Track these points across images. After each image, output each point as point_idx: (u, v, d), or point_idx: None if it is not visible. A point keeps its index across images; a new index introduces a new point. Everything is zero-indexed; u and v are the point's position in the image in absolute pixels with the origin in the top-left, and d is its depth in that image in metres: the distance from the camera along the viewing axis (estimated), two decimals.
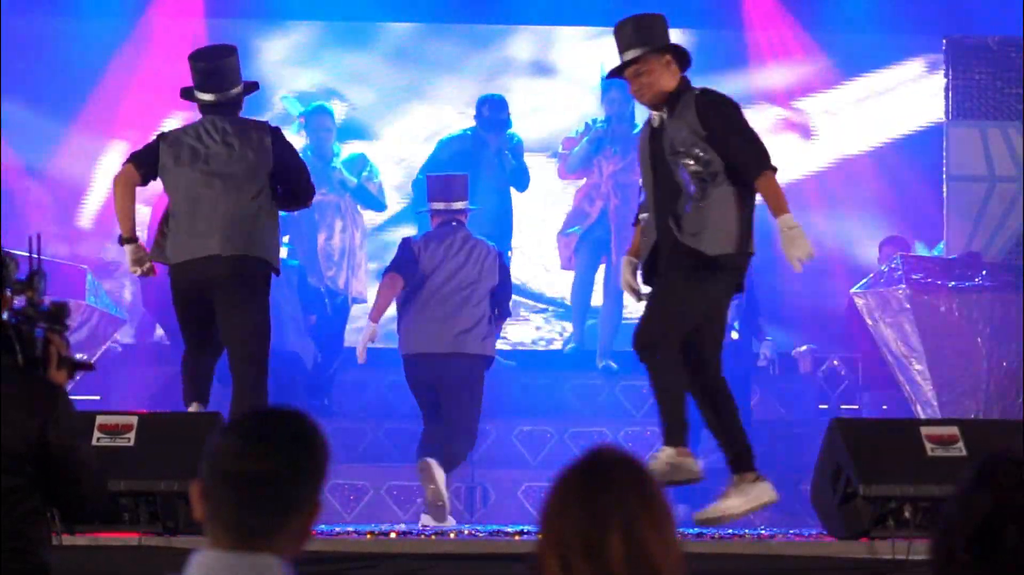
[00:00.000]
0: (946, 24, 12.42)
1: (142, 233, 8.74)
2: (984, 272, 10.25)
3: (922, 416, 10.10)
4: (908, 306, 10.05)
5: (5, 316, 4.49)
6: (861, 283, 10.68)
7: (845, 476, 7.71)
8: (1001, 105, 11.31)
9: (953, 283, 10.09)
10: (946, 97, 11.44)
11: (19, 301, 4.48)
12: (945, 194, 11.39)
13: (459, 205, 9.61)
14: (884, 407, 11.69)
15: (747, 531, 9.03)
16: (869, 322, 10.37)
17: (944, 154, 11.45)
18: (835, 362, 12.07)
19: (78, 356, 4.60)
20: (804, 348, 12.46)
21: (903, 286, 10.12)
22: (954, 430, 7.84)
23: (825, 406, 11.86)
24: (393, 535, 8.38)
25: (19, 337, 4.45)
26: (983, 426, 8.66)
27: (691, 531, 8.29)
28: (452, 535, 8.30)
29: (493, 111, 11.85)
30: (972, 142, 11.24)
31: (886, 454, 7.71)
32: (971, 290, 10.05)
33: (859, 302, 10.46)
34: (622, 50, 7.50)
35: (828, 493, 7.88)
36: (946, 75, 11.35)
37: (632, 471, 2.77)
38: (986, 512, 2.68)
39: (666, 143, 7.41)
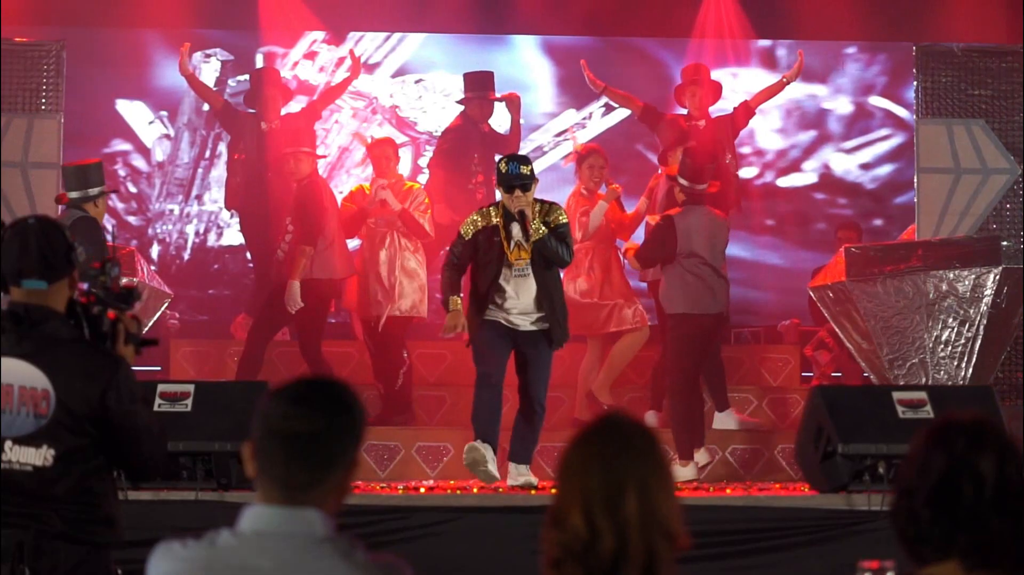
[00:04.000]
0: (916, 33, 12.48)
1: None
2: (920, 252, 10.30)
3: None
4: (850, 296, 10.17)
5: (75, 296, 4.52)
6: (814, 280, 10.80)
7: (826, 436, 7.76)
8: (965, 105, 11.32)
9: (889, 268, 10.17)
10: (916, 98, 11.46)
11: (94, 285, 4.51)
12: (916, 184, 11.40)
13: None
14: (836, 374, 11.75)
15: (738, 485, 9.07)
16: (827, 315, 10.48)
17: (915, 149, 11.48)
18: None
19: (144, 332, 4.62)
20: (788, 322, 12.51)
21: (844, 279, 10.22)
22: (922, 395, 7.90)
23: (810, 374, 11.89)
24: (422, 490, 8.42)
25: (87, 315, 4.48)
26: (948, 391, 8.70)
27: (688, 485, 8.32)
28: (475, 490, 8.33)
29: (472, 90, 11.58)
30: (940, 138, 11.25)
31: (862, 417, 7.76)
32: (903, 272, 10.12)
33: (815, 296, 10.55)
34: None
35: (811, 451, 7.92)
36: (916, 79, 11.37)
37: (643, 436, 2.83)
38: (942, 472, 2.69)
39: None
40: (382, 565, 2.98)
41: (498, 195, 9.06)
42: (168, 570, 3.00)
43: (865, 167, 13.75)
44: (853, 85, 13.74)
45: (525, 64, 13.54)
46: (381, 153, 10.69)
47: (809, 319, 12.32)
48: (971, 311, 10.04)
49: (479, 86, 11.55)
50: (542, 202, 8.96)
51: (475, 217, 8.96)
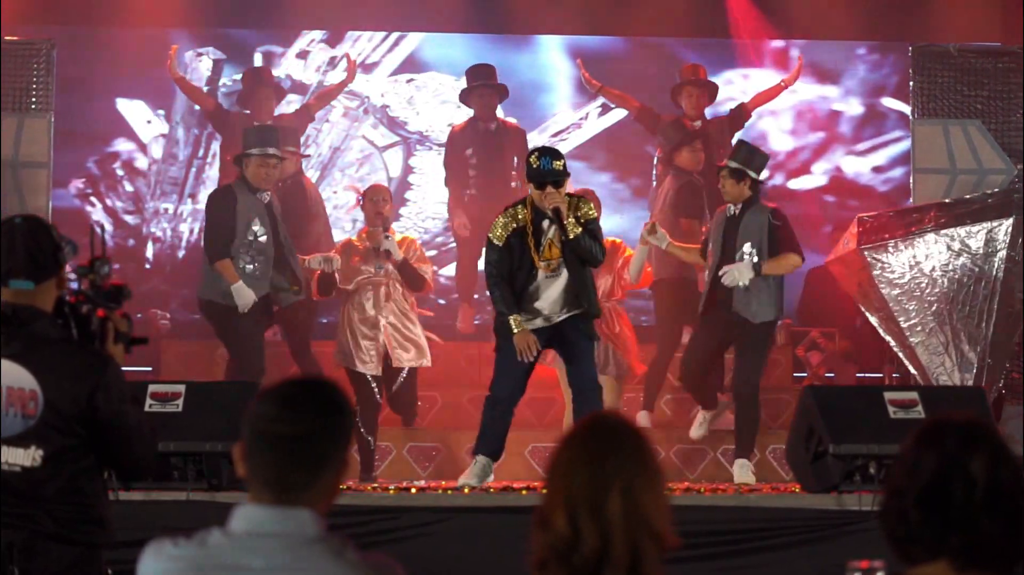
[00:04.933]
0: (914, 34, 12.47)
1: None
2: (932, 213, 10.19)
3: (901, 355, 10.06)
4: (863, 264, 10.05)
5: (64, 295, 4.50)
6: (831, 255, 10.73)
7: (817, 436, 7.77)
8: (961, 105, 11.33)
9: (900, 232, 10.04)
10: (913, 98, 11.47)
11: (80, 283, 4.50)
12: (912, 184, 11.41)
13: None
14: (828, 375, 11.77)
15: (729, 485, 9.07)
16: (845, 287, 10.38)
17: (911, 149, 11.49)
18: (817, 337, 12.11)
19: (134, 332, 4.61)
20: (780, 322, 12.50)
21: (856, 247, 10.10)
22: (914, 395, 7.91)
23: (802, 374, 11.91)
24: (413, 490, 8.43)
25: (75, 315, 4.47)
26: (939, 391, 8.71)
27: (680, 486, 8.33)
28: (466, 490, 8.35)
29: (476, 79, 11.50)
30: (935, 138, 11.26)
31: (853, 417, 7.78)
32: (915, 234, 9.99)
33: (834, 270, 10.48)
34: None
35: (802, 452, 7.94)
36: (912, 79, 11.38)
37: (629, 436, 2.83)
38: (932, 472, 2.69)
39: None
40: (373, 564, 2.99)
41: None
42: (159, 569, 3.00)
43: (877, 170, 13.68)
44: (864, 86, 13.69)
45: (540, 65, 13.49)
46: (378, 198, 10.05)
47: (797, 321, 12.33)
48: (986, 267, 9.82)
49: (480, 75, 11.49)
50: (570, 195, 8.52)
51: (503, 219, 8.52)
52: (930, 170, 11.18)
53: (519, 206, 8.52)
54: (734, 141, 11.56)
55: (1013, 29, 11.76)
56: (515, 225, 8.45)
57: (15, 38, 11.64)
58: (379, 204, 9.99)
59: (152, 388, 7.84)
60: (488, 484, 8.51)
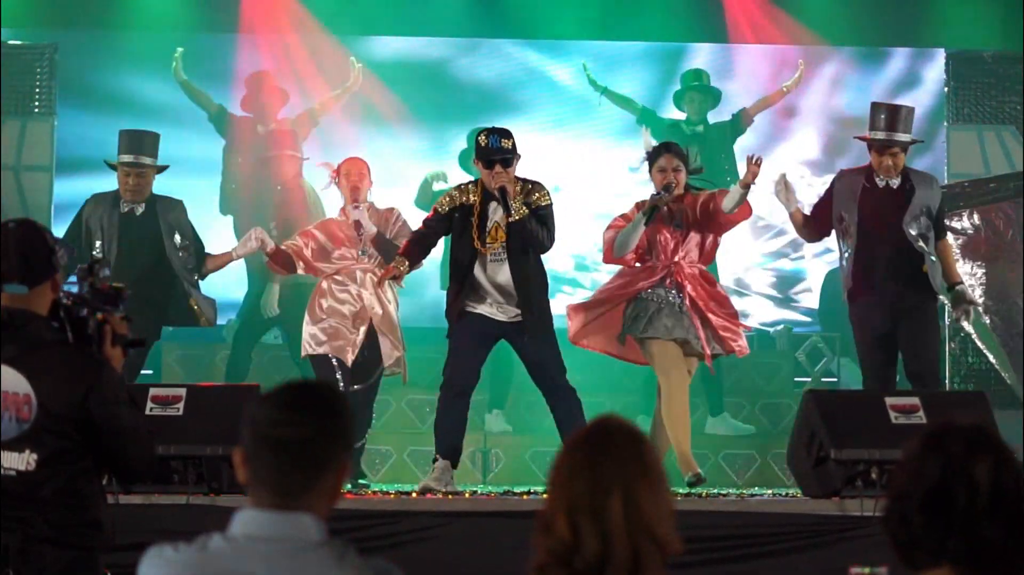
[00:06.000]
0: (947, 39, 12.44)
1: None
2: (1011, 182, 9.69)
3: (969, 329, 9.80)
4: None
5: (61, 298, 4.50)
6: None
7: (818, 441, 7.75)
8: (996, 111, 11.34)
9: (976, 201, 9.52)
10: (948, 104, 11.47)
11: (80, 286, 4.50)
12: None
13: None
14: (835, 380, 11.74)
15: (731, 491, 9.07)
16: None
17: (946, 155, 11.50)
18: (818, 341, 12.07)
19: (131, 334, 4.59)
20: (782, 327, 12.49)
21: None
22: (915, 401, 7.89)
23: (806, 378, 11.91)
24: (413, 494, 8.42)
25: (70, 318, 4.46)
26: (941, 397, 8.69)
27: (681, 490, 8.32)
28: (467, 495, 8.34)
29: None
30: (970, 144, 11.28)
31: (855, 422, 7.76)
32: (990, 202, 9.47)
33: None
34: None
35: (803, 457, 7.92)
36: (947, 85, 11.38)
37: (631, 440, 2.83)
38: (936, 477, 2.68)
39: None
40: (375, 569, 2.98)
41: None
42: (159, 574, 2.99)
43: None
44: (885, 90, 13.59)
45: (544, 67, 13.45)
46: (353, 172, 8.98)
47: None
48: None
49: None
50: (524, 180, 8.18)
51: (452, 193, 8.27)
52: (965, 176, 11.18)
53: (470, 185, 8.27)
54: (735, 147, 11.58)
55: (1012, 31, 11.77)
56: (463, 200, 8.19)
57: (17, 42, 11.64)
58: (354, 178, 8.96)
59: (153, 391, 7.83)
60: (488, 488, 8.51)
